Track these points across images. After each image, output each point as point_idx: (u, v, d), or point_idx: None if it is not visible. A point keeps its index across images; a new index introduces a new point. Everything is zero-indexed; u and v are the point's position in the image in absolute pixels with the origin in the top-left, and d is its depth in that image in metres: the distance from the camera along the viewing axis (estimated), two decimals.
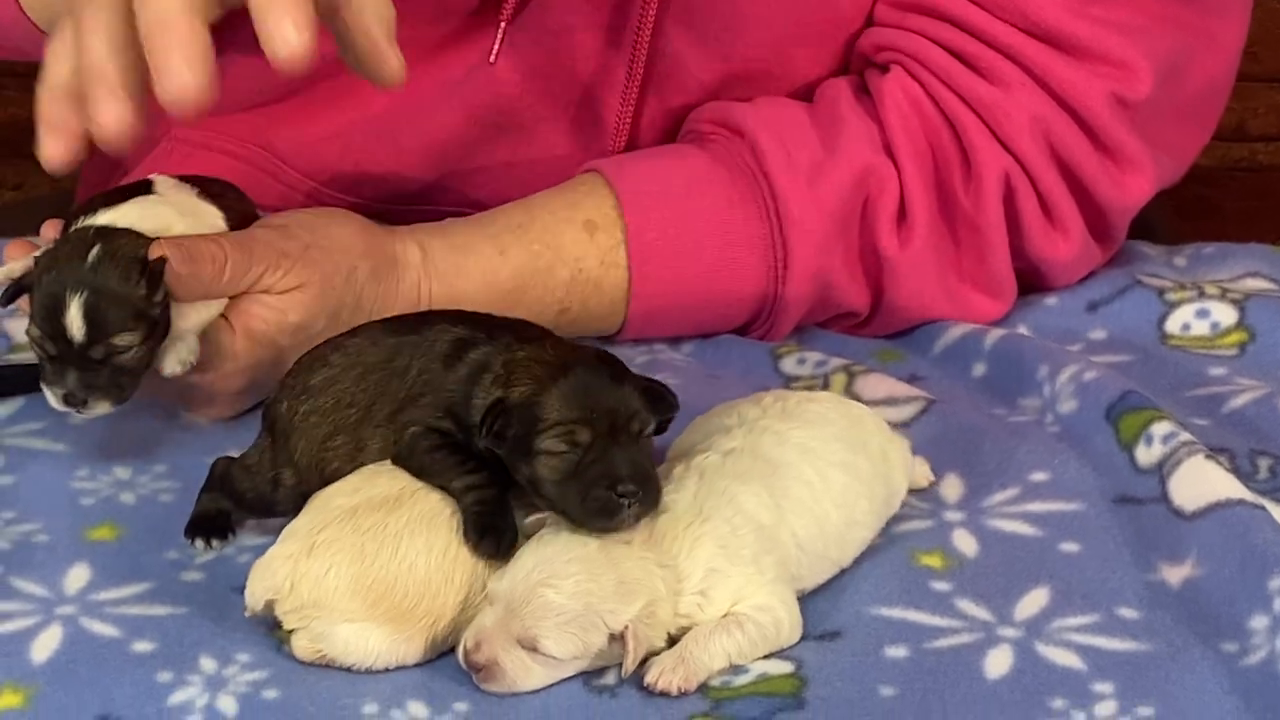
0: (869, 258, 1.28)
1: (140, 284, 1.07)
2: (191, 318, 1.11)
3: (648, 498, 0.97)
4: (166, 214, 1.12)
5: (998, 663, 0.99)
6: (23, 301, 1.09)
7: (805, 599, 1.03)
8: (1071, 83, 1.25)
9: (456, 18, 1.29)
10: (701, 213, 1.25)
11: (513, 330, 1.04)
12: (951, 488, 1.13)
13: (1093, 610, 1.02)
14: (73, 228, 1.10)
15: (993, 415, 1.21)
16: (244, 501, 1.06)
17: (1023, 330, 1.31)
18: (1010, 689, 0.97)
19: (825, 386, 1.23)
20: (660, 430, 1.02)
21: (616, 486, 0.96)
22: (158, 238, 1.09)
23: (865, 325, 1.32)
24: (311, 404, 1.04)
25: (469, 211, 1.27)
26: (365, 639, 0.98)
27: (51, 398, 1.08)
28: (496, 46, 1.27)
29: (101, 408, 1.08)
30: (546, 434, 0.97)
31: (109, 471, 1.14)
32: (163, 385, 1.13)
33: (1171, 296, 1.31)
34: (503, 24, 1.27)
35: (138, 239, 1.09)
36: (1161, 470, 1.11)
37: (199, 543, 1.06)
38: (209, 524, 1.07)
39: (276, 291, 1.12)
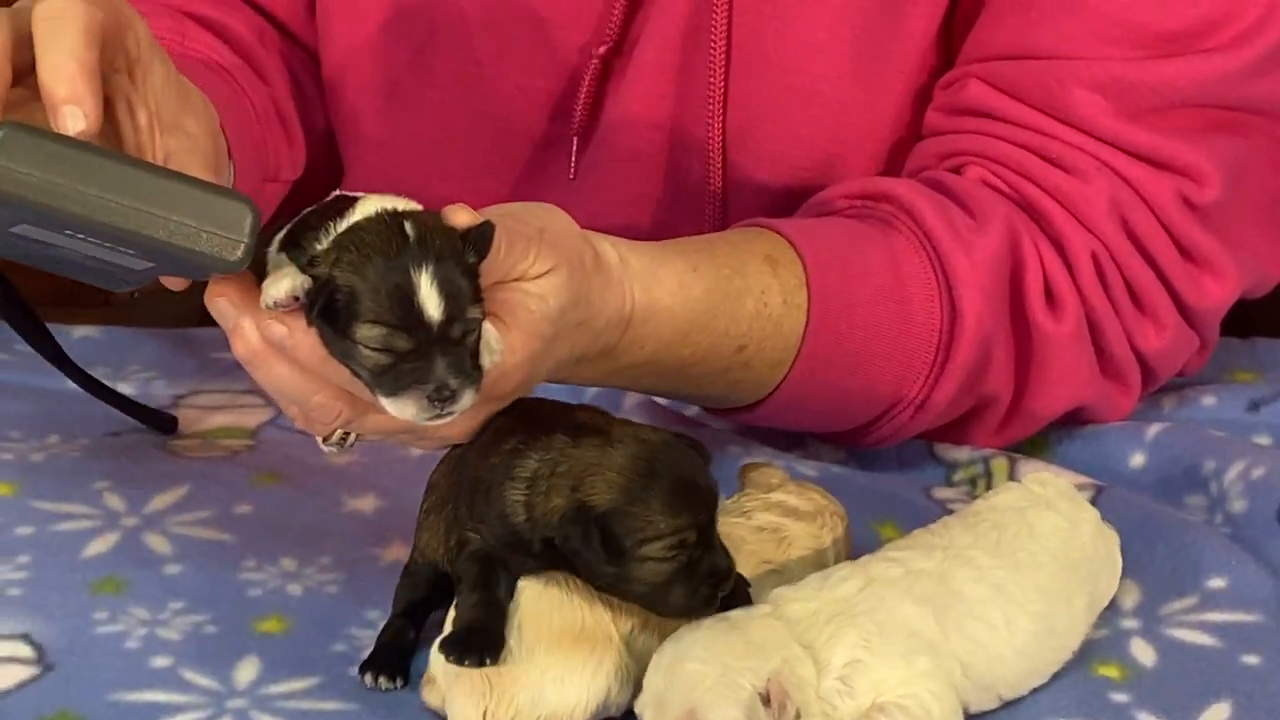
0: (1020, 334, 1.23)
1: (470, 251, 0.97)
2: None
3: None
4: (398, 202, 0.99)
5: None
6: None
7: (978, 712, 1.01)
8: (1139, 180, 1.22)
9: (529, 142, 1.32)
10: (870, 266, 1.20)
11: (561, 422, 1.01)
12: (1128, 593, 1.11)
13: None
14: (316, 240, 0.97)
15: (1163, 511, 1.18)
16: (411, 609, 1.06)
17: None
18: None
19: (987, 473, 1.22)
20: None
21: (720, 583, 0.98)
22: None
23: (1004, 423, 1.26)
24: (428, 501, 1.05)
25: None
26: None
27: (411, 408, 0.96)
28: (574, 161, 1.30)
29: (467, 398, 0.96)
30: (653, 543, 0.96)
31: (276, 562, 1.14)
32: None
33: None
34: (575, 138, 1.30)
35: (435, 214, 0.98)
36: None
37: (368, 677, 1.03)
38: (386, 660, 1.04)
39: (531, 277, 1.02)
